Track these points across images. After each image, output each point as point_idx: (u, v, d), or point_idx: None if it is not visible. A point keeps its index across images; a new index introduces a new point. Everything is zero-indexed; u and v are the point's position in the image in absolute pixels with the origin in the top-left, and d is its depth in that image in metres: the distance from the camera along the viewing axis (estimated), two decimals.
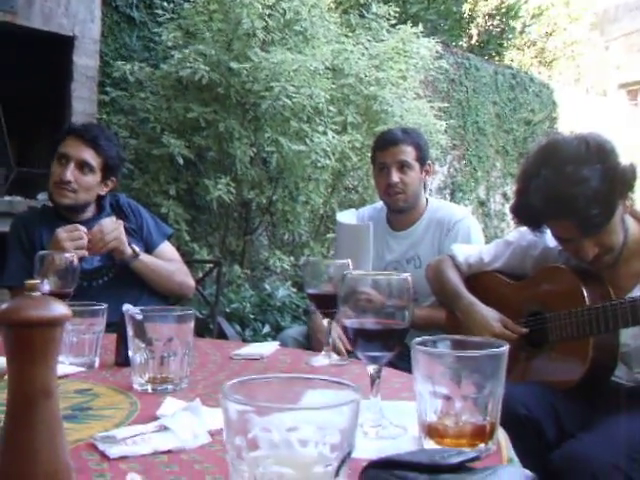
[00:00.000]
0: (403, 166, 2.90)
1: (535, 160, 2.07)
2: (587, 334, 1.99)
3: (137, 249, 2.68)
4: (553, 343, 2.13)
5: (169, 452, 1.04)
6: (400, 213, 3.00)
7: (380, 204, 3.16)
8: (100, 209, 2.83)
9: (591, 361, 1.99)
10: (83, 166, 2.70)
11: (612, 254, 2.04)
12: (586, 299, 2.02)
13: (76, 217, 2.73)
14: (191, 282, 2.91)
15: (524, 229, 2.34)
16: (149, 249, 2.80)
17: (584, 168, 1.91)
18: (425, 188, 3.08)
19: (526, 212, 2.13)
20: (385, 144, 2.95)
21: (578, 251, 2.04)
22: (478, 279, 2.48)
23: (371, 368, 1.19)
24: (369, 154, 5.34)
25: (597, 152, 1.95)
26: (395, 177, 2.88)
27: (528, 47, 12.44)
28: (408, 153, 2.91)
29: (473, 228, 2.95)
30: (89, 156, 2.71)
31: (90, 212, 2.80)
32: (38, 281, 0.86)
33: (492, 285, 2.42)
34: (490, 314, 2.27)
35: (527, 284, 2.31)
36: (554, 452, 1.82)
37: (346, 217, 3.10)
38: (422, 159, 2.95)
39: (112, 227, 2.59)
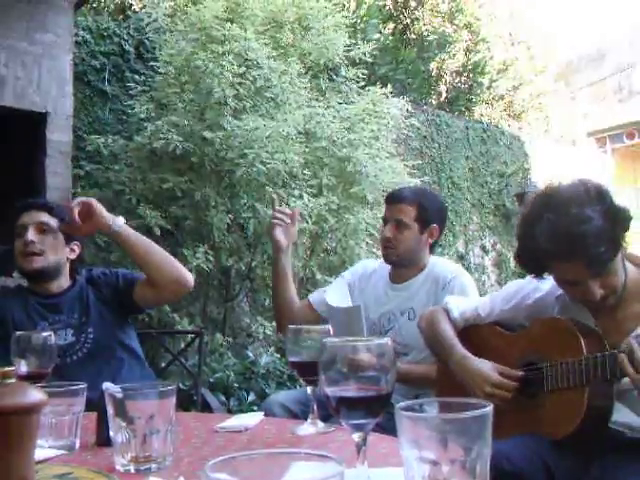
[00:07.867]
0: (399, 224, 2.93)
1: (535, 206, 2.09)
2: (584, 383, 1.98)
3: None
4: (548, 393, 2.10)
5: None
6: (397, 267, 3.02)
7: None
8: (75, 280, 2.81)
9: (586, 411, 1.97)
10: (43, 228, 2.71)
11: (615, 295, 2.05)
12: (584, 350, 2.01)
13: (50, 287, 2.73)
14: (189, 275, 2.81)
15: (520, 282, 2.39)
16: (129, 283, 2.79)
17: (587, 208, 1.95)
18: (432, 249, 3.07)
19: (531, 257, 2.12)
20: (389, 200, 3.03)
21: (585, 293, 2.04)
22: (472, 329, 2.46)
23: (356, 436, 1.17)
24: (346, 215, 5.45)
25: (596, 194, 2.00)
26: (388, 232, 2.93)
27: (496, 101, 12.64)
28: (407, 212, 2.93)
29: (468, 284, 2.94)
30: (45, 218, 2.73)
31: (64, 281, 2.78)
32: (13, 368, 0.85)
33: (486, 335, 2.41)
34: (484, 365, 2.24)
35: (522, 335, 2.30)
36: None
37: (336, 295, 3.05)
38: (424, 220, 2.95)
39: None
